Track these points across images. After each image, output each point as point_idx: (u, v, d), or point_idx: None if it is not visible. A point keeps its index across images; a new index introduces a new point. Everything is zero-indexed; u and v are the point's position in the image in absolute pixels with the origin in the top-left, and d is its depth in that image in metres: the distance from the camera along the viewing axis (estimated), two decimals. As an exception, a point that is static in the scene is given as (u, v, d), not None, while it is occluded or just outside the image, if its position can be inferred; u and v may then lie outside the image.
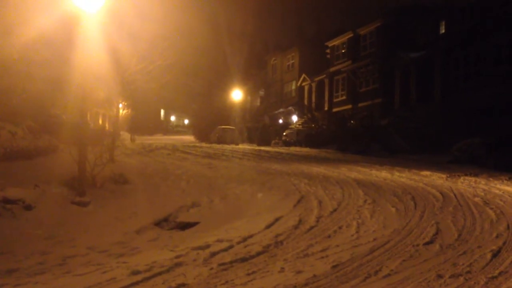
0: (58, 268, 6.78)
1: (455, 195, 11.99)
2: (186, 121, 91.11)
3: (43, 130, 17.02)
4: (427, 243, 7.38)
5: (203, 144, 36.14)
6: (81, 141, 11.66)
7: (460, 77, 29.79)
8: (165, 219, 10.33)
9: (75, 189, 11.15)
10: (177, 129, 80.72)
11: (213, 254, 6.97)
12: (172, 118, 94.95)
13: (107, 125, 37.76)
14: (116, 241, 8.47)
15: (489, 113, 25.61)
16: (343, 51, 43.12)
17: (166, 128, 77.72)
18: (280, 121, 50.77)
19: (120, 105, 21.96)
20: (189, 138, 51.06)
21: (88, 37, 11.44)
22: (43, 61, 15.50)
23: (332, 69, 43.97)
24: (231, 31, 56.00)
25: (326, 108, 44.42)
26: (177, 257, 6.85)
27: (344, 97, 42.12)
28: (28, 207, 9.84)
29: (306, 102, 49.24)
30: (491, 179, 15.44)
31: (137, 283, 5.71)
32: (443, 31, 32.68)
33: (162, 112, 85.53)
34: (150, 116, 65.35)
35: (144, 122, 58.06)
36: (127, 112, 47.30)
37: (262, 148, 33.16)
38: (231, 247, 7.41)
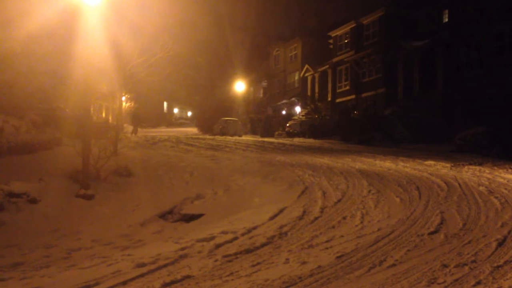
0: (63, 261, 6.81)
1: (459, 184, 11.96)
2: (189, 113, 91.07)
3: (46, 123, 17.05)
4: (432, 233, 7.37)
5: (206, 136, 36.09)
6: (84, 134, 11.68)
7: (463, 66, 29.66)
8: (170, 212, 10.35)
9: (79, 182, 11.19)
10: (180, 121, 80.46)
11: (218, 246, 6.99)
12: (175, 110, 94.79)
13: (110, 118, 37.75)
14: (121, 233, 8.51)
15: (492, 103, 25.49)
16: (346, 41, 42.91)
17: (169, 121, 77.56)
18: (283, 112, 50.65)
19: (123, 98, 21.97)
20: (193, 130, 50.96)
21: (89, 30, 11.44)
22: (46, 54, 15.50)
23: (335, 59, 43.78)
24: (233, 22, 55.84)
25: (329, 99, 44.29)
26: (182, 249, 6.87)
27: (347, 88, 41.99)
28: (33, 201, 9.87)
29: (309, 92, 49.09)
30: (495, 168, 15.39)
31: (142, 275, 5.73)
32: (446, 20, 32.51)
33: (165, 104, 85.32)
34: (153, 109, 65.19)
35: (147, 114, 58.05)
36: (130, 104, 47.32)
37: (266, 139, 33.11)
38: (235, 238, 7.42)
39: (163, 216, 10.04)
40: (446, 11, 32.42)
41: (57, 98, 20.07)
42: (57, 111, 20.74)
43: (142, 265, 6.10)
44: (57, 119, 18.30)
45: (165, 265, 6.10)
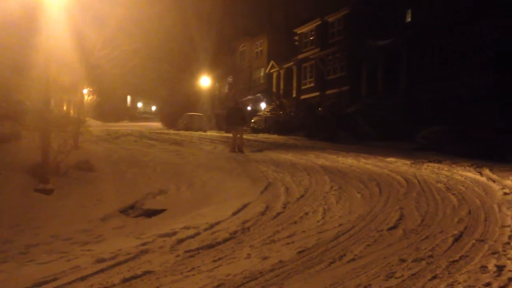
0: (21, 256, 6.67)
1: (418, 181, 12.21)
2: (154, 108, 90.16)
3: (5, 117, 16.56)
4: (391, 228, 7.51)
5: (171, 131, 35.83)
6: (44, 128, 11.42)
7: (427, 66, 30.27)
8: (131, 207, 10.23)
9: (38, 177, 10.94)
10: (144, 116, 79.63)
11: (180, 241, 6.96)
12: (139, 104, 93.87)
13: (72, 111, 36.98)
14: (81, 229, 8.37)
15: (453, 102, 26.06)
16: (311, 38, 43.21)
17: (133, 115, 76.56)
18: (249, 108, 50.66)
19: (85, 91, 21.59)
20: (157, 124, 50.49)
21: (52, 21, 11.19)
22: (6, 46, 15.07)
23: (301, 56, 44.06)
24: (200, 15, 55.30)
25: (294, 95, 44.56)
26: (143, 244, 6.82)
27: (312, 84, 42.34)
28: (-10, 195, 9.62)
29: (274, 89, 49.30)
30: (453, 165, 15.77)
31: (102, 270, 5.66)
32: (409, 20, 33.08)
33: (129, 98, 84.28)
34: (116, 103, 64.17)
35: (110, 108, 57.19)
36: (93, 98, 46.44)
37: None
38: (198, 234, 7.40)
39: (124, 211, 9.92)
40: (409, 11, 33.01)
41: (17, 91, 19.54)
42: (17, 104, 20.19)
43: (102, 260, 6.03)
44: (16, 112, 17.78)
45: (125, 261, 6.05)
